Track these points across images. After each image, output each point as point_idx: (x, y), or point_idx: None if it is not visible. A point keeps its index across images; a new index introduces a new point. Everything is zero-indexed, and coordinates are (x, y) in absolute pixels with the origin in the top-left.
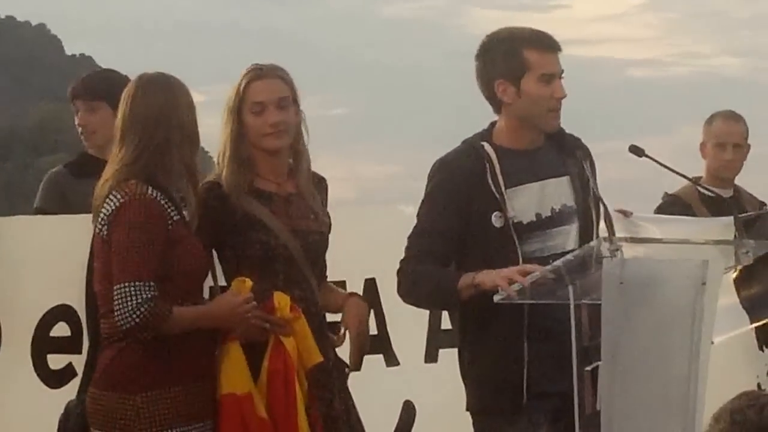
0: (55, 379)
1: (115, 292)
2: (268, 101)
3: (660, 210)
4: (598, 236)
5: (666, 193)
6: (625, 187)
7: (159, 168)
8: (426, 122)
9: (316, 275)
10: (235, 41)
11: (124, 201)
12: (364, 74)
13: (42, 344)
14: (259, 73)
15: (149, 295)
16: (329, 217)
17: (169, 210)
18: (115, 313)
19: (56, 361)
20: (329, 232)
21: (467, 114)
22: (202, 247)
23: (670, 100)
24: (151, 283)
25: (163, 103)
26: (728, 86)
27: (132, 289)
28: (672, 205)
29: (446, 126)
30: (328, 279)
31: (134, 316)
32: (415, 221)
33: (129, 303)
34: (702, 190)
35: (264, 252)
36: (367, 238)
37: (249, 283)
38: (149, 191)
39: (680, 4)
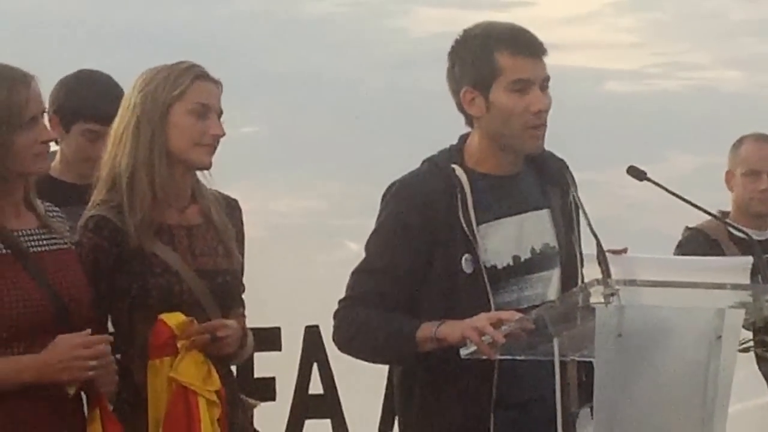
0: None
1: None
2: (213, 106)
3: (680, 248)
4: (583, 283)
5: (687, 227)
6: (604, 225)
7: None
8: (357, 147)
9: None
10: (107, 40)
11: None
12: (281, 84)
13: None
14: (204, 72)
15: None
16: (244, 247)
17: None
18: None
19: None
20: (242, 269)
21: (409, 139)
22: (40, 287)
23: (660, 120)
24: None
25: None
26: (729, 104)
27: None
28: (695, 241)
29: (382, 152)
30: (258, 325)
31: None
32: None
33: None
34: (732, 230)
35: (163, 300)
36: (308, 278)
37: None
38: None
39: (667, 2)
